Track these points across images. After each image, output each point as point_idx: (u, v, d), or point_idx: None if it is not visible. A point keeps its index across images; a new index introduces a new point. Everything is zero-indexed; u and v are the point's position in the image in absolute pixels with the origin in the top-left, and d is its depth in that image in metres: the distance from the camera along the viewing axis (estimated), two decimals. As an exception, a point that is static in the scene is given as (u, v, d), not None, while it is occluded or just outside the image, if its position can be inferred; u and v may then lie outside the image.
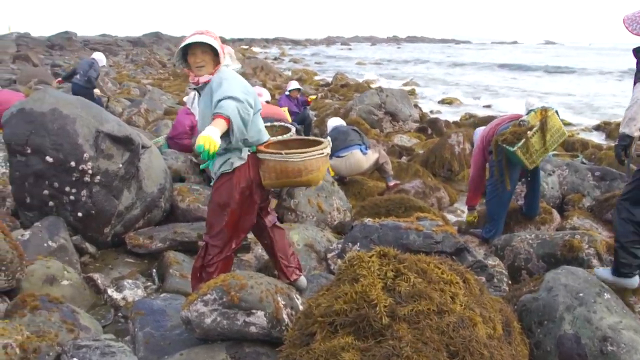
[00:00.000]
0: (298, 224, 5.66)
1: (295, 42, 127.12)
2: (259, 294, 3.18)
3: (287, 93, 11.68)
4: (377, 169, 7.92)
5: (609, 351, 3.11)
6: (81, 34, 70.35)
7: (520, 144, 5.36)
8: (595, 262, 4.65)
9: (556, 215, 6.44)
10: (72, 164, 4.91)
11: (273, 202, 6.00)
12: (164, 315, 3.63)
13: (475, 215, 6.47)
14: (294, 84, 11.96)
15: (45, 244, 4.59)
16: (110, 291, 4.40)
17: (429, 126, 13.84)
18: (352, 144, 7.70)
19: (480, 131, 6.44)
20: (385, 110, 14.10)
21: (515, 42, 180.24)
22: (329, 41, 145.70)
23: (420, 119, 15.13)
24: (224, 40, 4.05)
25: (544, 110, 5.53)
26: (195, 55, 3.58)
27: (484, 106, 22.06)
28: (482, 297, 2.95)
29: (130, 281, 4.56)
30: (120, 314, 4.25)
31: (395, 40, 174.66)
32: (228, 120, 3.25)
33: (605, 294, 3.44)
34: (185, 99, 10.42)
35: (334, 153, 7.56)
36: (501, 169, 5.66)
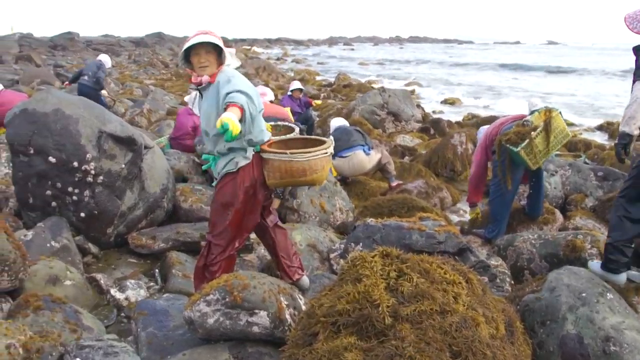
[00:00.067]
0: (301, 224, 5.66)
1: (298, 43, 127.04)
2: (262, 294, 3.19)
3: (289, 93, 11.67)
4: (380, 169, 7.91)
5: (611, 351, 3.11)
6: (84, 34, 70.47)
7: (523, 144, 5.35)
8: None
9: (559, 215, 6.43)
10: (75, 164, 4.92)
11: (276, 202, 6.00)
12: (167, 316, 3.64)
13: (478, 211, 6.47)
14: (296, 84, 11.95)
15: (48, 244, 4.60)
16: (113, 291, 4.40)
17: (431, 126, 13.83)
18: (355, 145, 7.70)
19: (484, 129, 6.44)
20: (387, 111, 14.09)
21: (518, 42, 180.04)
22: (332, 41, 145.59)
23: (423, 119, 15.12)
24: (226, 41, 4.06)
25: (548, 111, 5.52)
26: (200, 55, 3.58)
27: (483, 107, 22.04)
28: (485, 297, 2.95)
29: (133, 281, 4.57)
30: (123, 314, 4.26)
31: (397, 40, 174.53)
32: (242, 110, 3.26)
33: (608, 294, 3.43)
34: (186, 98, 10.41)
35: (337, 153, 7.56)
36: (504, 169, 5.65)
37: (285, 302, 3.29)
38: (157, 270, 5.01)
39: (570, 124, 15.25)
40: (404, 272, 2.76)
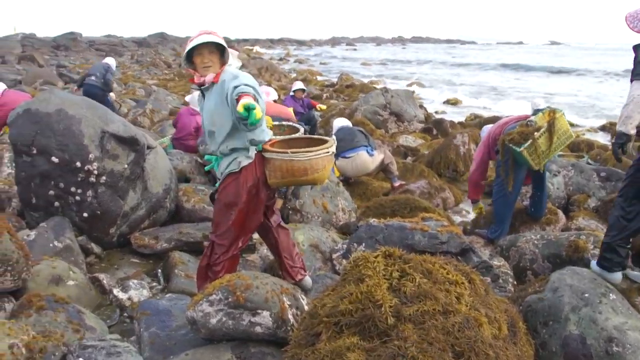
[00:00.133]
0: (303, 225, 5.66)
1: (300, 43, 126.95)
2: (265, 294, 3.19)
3: (291, 93, 11.67)
4: (382, 169, 7.92)
5: (614, 352, 3.10)
6: (86, 34, 70.56)
7: (526, 144, 5.35)
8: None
9: (561, 215, 6.42)
10: (78, 164, 4.93)
11: (279, 202, 6.01)
12: (170, 316, 3.64)
13: (481, 206, 6.49)
14: (298, 84, 11.95)
15: (51, 244, 4.61)
16: (115, 291, 4.41)
17: (434, 127, 13.82)
18: (358, 145, 7.70)
19: (488, 128, 6.44)
20: (390, 111, 14.09)
21: (520, 43, 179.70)
22: (334, 42, 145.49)
23: (426, 120, 15.12)
24: (228, 41, 4.07)
25: (552, 112, 5.52)
26: (203, 55, 3.59)
27: (483, 107, 22.03)
28: (488, 298, 2.95)
29: (135, 281, 4.57)
30: (125, 314, 4.26)
31: (400, 40, 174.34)
32: (254, 98, 3.26)
33: (611, 295, 3.43)
34: (187, 98, 10.42)
35: (340, 154, 7.57)
36: (507, 169, 5.65)
37: (288, 302, 3.29)
38: (159, 270, 5.02)
39: (572, 125, 15.22)
40: (407, 273, 2.76)
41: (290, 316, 3.23)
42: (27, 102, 5.31)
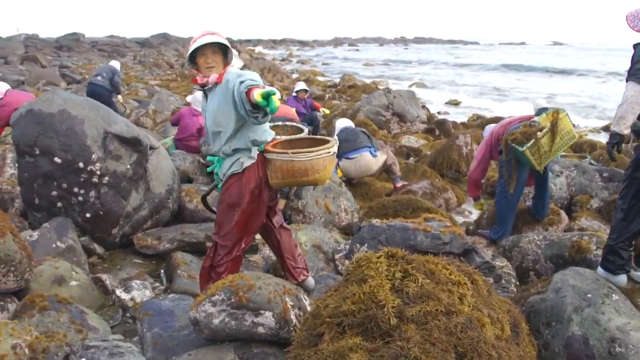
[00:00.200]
0: (306, 225, 5.66)
1: (303, 43, 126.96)
2: (267, 294, 3.19)
3: (294, 94, 11.68)
4: (385, 170, 7.92)
5: (617, 352, 3.10)
6: (89, 35, 70.61)
7: (529, 144, 5.35)
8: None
9: (564, 216, 6.41)
10: (81, 164, 4.93)
11: (281, 203, 6.01)
12: (172, 316, 3.64)
13: (482, 202, 6.50)
14: (301, 85, 11.96)
15: (53, 245, 4.61)
16: (118, 292, 4.41)
17: (436, 127, 13.80)
18: (361, 146, 7.70)
19: (490, 127, 6.44)
20: (392, 111, 14.07)
21: (523, 43, 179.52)
22: (337, 42, 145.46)
23: (428, 120, 15.10)
24: (231, 42, 4.07)
25: (556, 112, 5.52)
26: (206, 55, 3.59)
27: (485, 109, 22.00)
28: (490, 298, 2.95)
29: (138, 282, 4.57)
30: (128, 315, 4.27)
31: (402, 41, 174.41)
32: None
33: (614, 295, 3.43)
34: (188, 98, 10.42)
35: (343, 155, 7.57)
36: (510, 169, 5.65)
37: (291, 303, 3.29)
38: (162, 271, 5.02)
39: (573, 125, 15.20)
40: (409, 273, 2.76)
41: (292, 317, 3.23)
42: (30, 102, 5.32)
